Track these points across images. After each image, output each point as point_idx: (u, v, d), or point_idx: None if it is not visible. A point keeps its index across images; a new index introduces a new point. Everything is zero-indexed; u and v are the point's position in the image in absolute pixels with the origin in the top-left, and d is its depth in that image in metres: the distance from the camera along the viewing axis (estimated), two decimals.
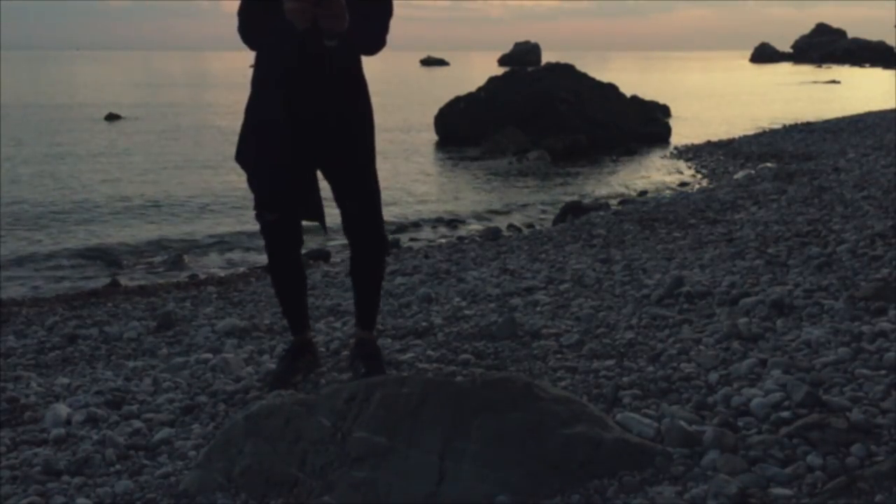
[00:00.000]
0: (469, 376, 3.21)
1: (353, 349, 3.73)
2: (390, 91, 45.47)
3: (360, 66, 3.31)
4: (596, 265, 5.85)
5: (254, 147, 3.30)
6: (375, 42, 3.19)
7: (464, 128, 19.32)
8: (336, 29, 2.85)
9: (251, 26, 3.10)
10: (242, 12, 3.11)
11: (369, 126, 3.36)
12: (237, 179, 15.01)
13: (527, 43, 78.53)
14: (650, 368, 3.27)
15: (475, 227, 10.67)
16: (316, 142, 3.24)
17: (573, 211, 10.31)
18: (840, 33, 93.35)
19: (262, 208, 3.39)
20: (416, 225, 10.61)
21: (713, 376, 3.08)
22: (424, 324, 4.46)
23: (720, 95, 37.98)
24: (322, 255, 8.39)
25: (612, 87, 20.95)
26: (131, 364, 4.39)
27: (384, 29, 3.21)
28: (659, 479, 2.30)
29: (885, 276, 4.16)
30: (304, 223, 3.51)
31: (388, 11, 3.20)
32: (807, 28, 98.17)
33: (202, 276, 8.33)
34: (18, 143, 19.86)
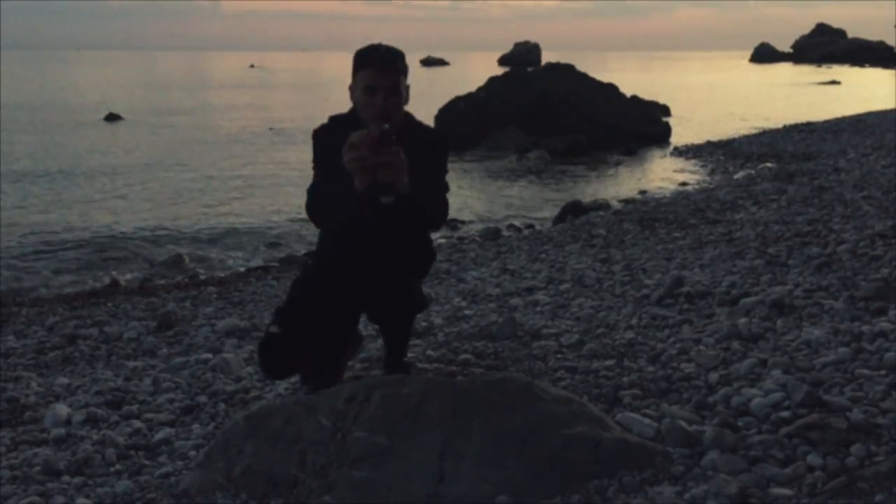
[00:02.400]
0: (469, 376, 3.21)
1: (382, 368, 3.52)
2: None
3: (424, 236, 3.10)
4: (596, 265, 5.85)
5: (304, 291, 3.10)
6: (431, 213, 2.94)
7: (464, 128, 19.32)
8: (394, 183, 2.64)
9: (323, 202, 2.89)
10: (314, 189, 2.92)
11: (420, 299, 3.18)
12: (237, 180, 15.03)
13: (527, 43, 78.59)
14: (650, 368, 3.27)
15: (475, 227, 10.67)
16: (365, 297, 3.06)
17: (573, 211, 10.31)
18: (840, 33, 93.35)
19: (274, 320, 3.13)
20: None
21: (713, 376, 3.07)
22: (424, 324, 4.45)
23: (720, 95, 37.98)
24: None
25: (611, 87, 20.96)
26: (131, 364, 4.39)
27: (439, 204, 2.96)
28: (659, 479, 2.30)
29: (885, 276, 4.16)
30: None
31: (444, 188, 3.00)
32: (807, 28, 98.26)
33: (202, 276, 8.33)
34: (18, 143, 19.86)
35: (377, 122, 2.72)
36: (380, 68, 2.88)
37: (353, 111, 3.00)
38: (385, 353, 3.45)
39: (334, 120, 3.03)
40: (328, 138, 2.88)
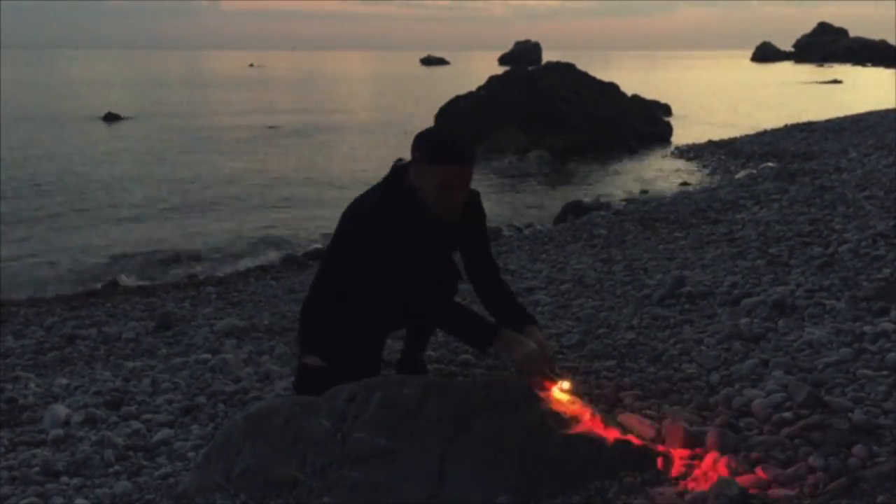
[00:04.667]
0: (469, 377, 3.20)
1: (397, 364, 3.44)
2: (391, 90, 45.34)
3: None
4: (597, 265, 5.84)
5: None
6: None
7: (464, 128, 19.29)
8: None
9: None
10: (418, 280, 2.88)
11: None
12: (236, 179, 15.02)
13: (527, 42, 78.57)
14: (651, 369, 3.26)
15: None
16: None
17: (574, 211, 10.30)
18: (842, 32, 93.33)
19: (309, 350, 3.10)
20: None
21: (714, 377, 3.07)
22: None
23: (722, 95, 37.97)
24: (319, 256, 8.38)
25: (612, 87, 20.95)
26: (130, 364, 4.38)
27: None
28: (660, 479, 2.28)
29: (887, 276, 4.15)
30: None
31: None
32: (808, 27, 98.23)
33: (201, 276, 8.32)
34: (17, 142, 19.86)
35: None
36: (461, 164, 2.81)
37: (408, 190, 2.86)
38: (405, 347, 3.42)
39: (389, 203, 2.88)
40: (393, 226, 2.82)
